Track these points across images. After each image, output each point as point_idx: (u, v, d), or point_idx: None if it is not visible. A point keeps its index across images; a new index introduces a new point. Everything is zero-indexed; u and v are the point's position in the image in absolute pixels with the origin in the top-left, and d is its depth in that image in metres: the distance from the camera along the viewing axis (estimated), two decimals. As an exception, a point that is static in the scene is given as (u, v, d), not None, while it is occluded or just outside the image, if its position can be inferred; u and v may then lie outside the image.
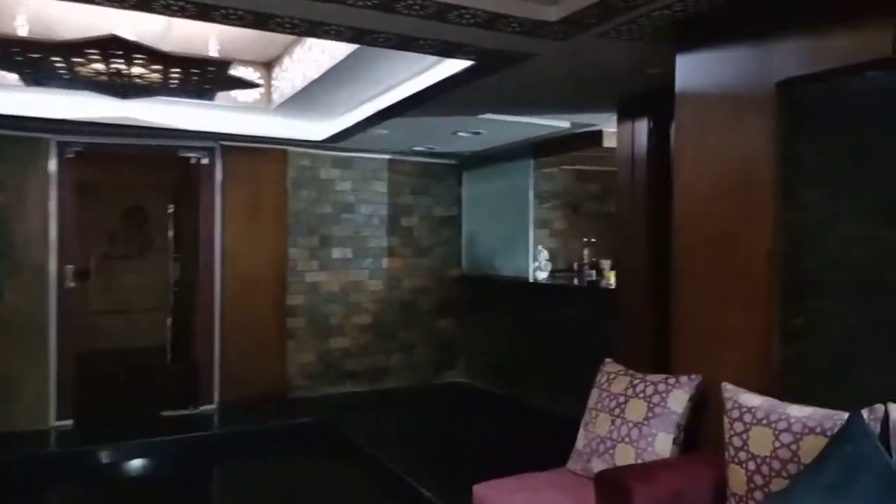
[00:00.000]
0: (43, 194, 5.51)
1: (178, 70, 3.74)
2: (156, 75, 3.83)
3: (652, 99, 3.97)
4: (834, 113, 2.47)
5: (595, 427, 2.83)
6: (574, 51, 3.25)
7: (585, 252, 7.43)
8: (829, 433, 2.05)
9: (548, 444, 4.93)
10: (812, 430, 2.09)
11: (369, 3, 2.57)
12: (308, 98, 4.79)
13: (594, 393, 2.96)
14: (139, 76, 3.85)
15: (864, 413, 1.98)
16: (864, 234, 2.59)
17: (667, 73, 3.53)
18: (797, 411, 2.17)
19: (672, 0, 2.53)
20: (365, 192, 6.85)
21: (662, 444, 2.60)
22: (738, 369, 2.59)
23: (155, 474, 5.09)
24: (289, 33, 3.03)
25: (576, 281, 6.56)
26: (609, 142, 5.25)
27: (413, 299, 7.08)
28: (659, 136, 4.00)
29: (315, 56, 4.21)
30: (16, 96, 4.73)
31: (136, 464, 5.14)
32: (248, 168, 6.21)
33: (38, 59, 3.55)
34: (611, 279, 5.54)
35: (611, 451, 2.71)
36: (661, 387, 2.70)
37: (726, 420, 2.35)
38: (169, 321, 8.63)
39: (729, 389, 2.40)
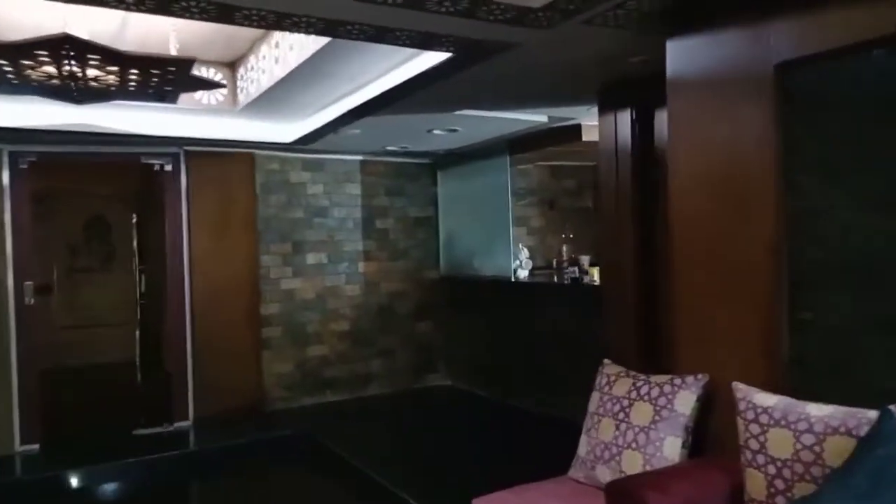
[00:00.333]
0: (-4, 208, 5.20)
1: (136, 71, 3.50)
2: (112, 77, 3.58)
3: (634, 88, 3.86)
4: (836, 97, 2.36)
5: (598, 433, 2.69)
6: (557, 39, 3.11)
7: (564, 248, 7.34)
8: (854, 433, 1.94)
9: (540, 448, 4.83)
10: (836, 430, 1.97)
11: (343, -9, 2.40)
12: (276, 98, 4.58)
13: (594, 397, 2.82)
14: (94, 79, 3.59)
15: (894, 410, 1.86)
16: (867, 223, 2.49)
17: (651, 60, 3.43)
18: (817, 410, 2.05)
19: (663, -19, 2.41)
20: (338, 194, 6.64)
21: (671, 449, 2.47)
22: (743, 367, 2.47)
23: (129, 498, 4.83)
24: (255, 26, 2.84)
25: (556, 278, 6.46)
26: (588, 135, 5.13)
27: (391, 303, 6.89)
28: (642, 127, 3.88)
29: (282, 53, 4.01)
30: (-38, 105, 4.45)
31: (109, 488, 4.87)
32: (214, 173, 5.96)
33: (-18, 63, 3.29)
34: (594, 276, 5.43)
35: (617, 458, 2.57)
36: (667, 388, 2.57)
37: (740, 422, 2.23)
38: (137, 335, 8.33)
39: (741, 389, 2.28)
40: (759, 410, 2.17)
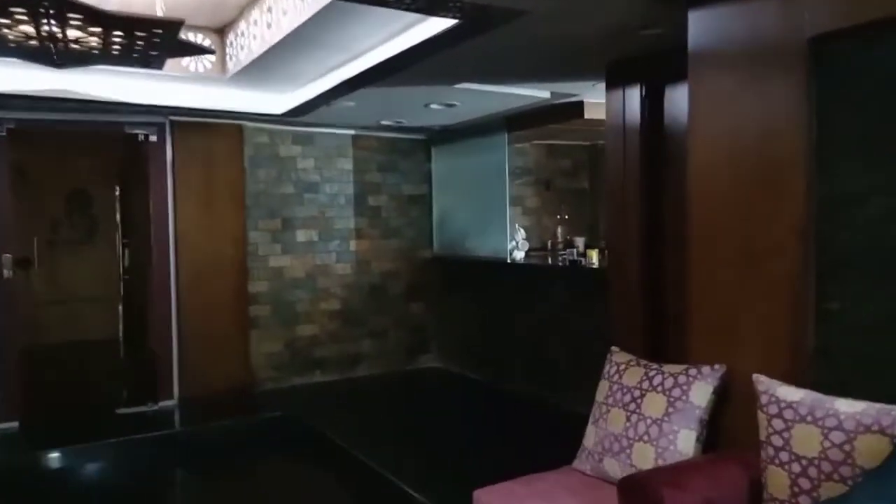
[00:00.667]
0: (-28, 177, 4.97)
1: (120, 33, 3.28)
2: (95, 40, 3.36)
3: (645, 63, 3.70)
4: (876, 73, 2.22)
5: (607, 424, 2.56)
6: (568, 8, 2.94)
7: (559, 230, 7.22)
8: (889, 431, 1.82)
9: (535, 436, 4.75)
10: (868, 428, 1.86)
11: (347, -53, 2.21)
12: (267, 66, 4.37)
13: (603, 385, 2.69)
14: (76, 41, 3.38)
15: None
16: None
17: (665, 33, 3.27)
18: (847, 406, 1.93)
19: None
20: (329, 170, 6.44)
21: (685, 442, 2.36)
22: (763, 357, 2.35)
23: (111, 479, 4.66)
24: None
25: (550, 260, 6.33)
26: (591, 113, 4.98)
27: (383, 283, 6.74)
28: (652, 105, 3.73)
29: (275, 18, 3.79)
30: (-67, 67, 4.20)
31: (90, 468, 4.70)
32: (201, 145, 5.74)
33: (-47, 21, 3.06)
34: (593, 258, 5.30)
35: (627, 451, 2.45)
36: (682, 378, 2.44)
37: (762, 416, 2.11)
38: (121, 311, 8.12)
39: (763, 382, 2.16)
40: (784, 405, 2.05)
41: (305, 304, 6.31)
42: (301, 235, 6.29)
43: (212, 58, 4.66)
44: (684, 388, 2.42)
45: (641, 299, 3.77)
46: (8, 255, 5.13)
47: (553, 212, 7.33)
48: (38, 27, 3.15)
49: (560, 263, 5.81)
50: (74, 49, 3.57)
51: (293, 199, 6.24)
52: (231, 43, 4.57)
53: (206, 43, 4.53)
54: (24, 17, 3.04)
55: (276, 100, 5.32)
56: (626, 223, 3.79)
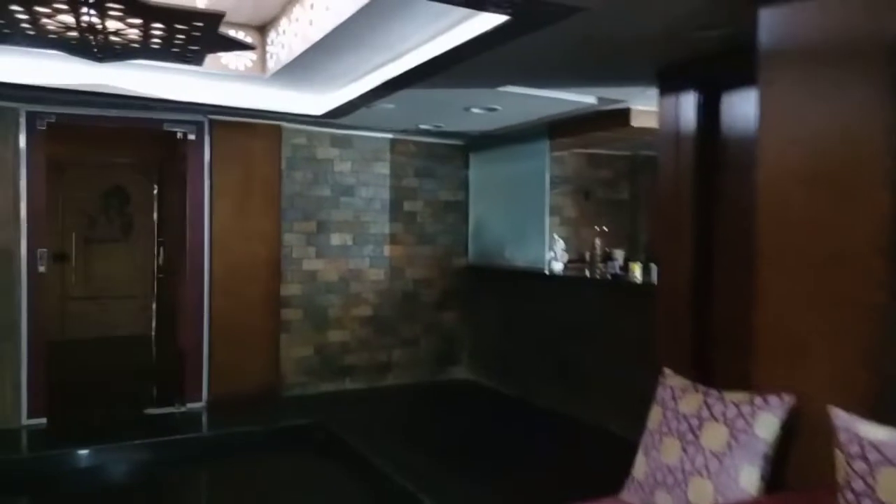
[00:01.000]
0: (12, 171, 4.95)
1: (160, 25, 3.21)
2: (134, 31, 3.29)
3: (701, 67, 3.50)
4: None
5: (660, 454, 2.36)
6: (627, 6, 2.77)
7: (598, 241, 7.00)
8: None
9: (573, 457, 4.55)
10: (970, 477, 1.64)
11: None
12: (307, 66, 4.27)
13: (656, 411, 2.50)
14: (115, 32, 3.31)
15: None
16: None
17: (725, 35, 3.07)
18: (943, 450, 1.72)
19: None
20: (366, 173, 6.33)
21: (748, 479, 2.15)
22: (839, 384, 2.14)
23: (135, 480, 4.59)
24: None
25: (588, 272, 6.13)
26: (638, 121, 4.78)
27: (415, 290, 6.60)
28: (708, 112, 3.52)
29: (317, 14, 3.68)
30: (-24, 58, 4.19)
31: (115, 469, 4.62)
32: (239, 145, 5.68)
33: (-6, 9, 3.01)
34: (636, 272, 5.09)
35: (682, 486, 2.25)
36: (746, 408, 2.24)
37: (840, 456, 1.89)
38: (154, 309, 8.14)
39: (840, 416, 1.94)
40: (867, 445, 1.84)
41: (337, 310, 6.19)
42: (335, 239, 6.19)
43: (252, 56, 4.59)
44: (748, 418, 2.22)
45: (690, 318, 3.55)
46: (44, 249, 5.10)
47: (592, 223, 7.13)
48: (77, 17, 3.08)
49: (599, 276, 5.61)
50: (114, 42, 3.51)
51: (329, 202, 6.15)
52: (272, 41, 4.49)
53: (248, 41, 4.45)
54: (64, 7, 2.98)
55: (316, 100, 5.23)
56: (677, 237, 3.58)
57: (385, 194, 6.43)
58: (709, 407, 2.32)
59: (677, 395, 2.47)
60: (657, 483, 2.34)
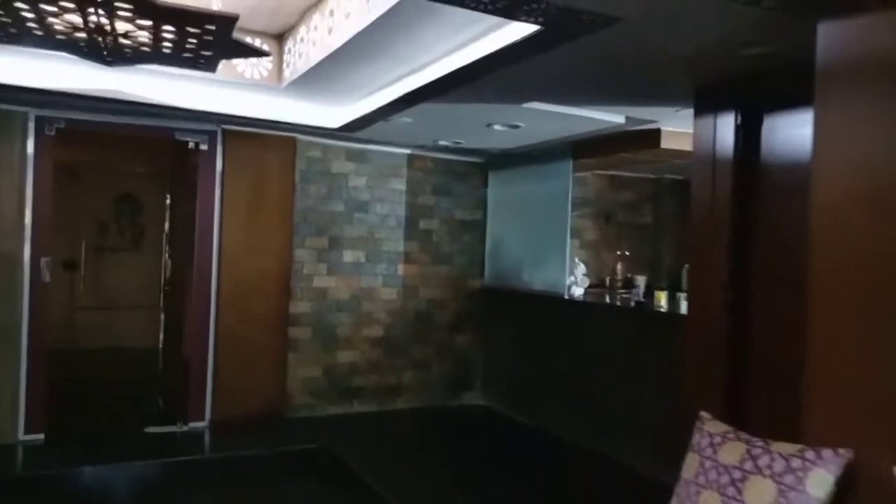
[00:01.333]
0: (18, 176, 4.82)
1: (171, 28, 3.05)
2: (145, 34, 3.14)
3: (741, 87, 3.29)
4: None
5: (698, 509, 2.13)
6: (668, 18, 2.57)
7: (619, 266, 6.78)
8: None
9: (592, 494, 4.31)
10: None
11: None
12: (324, 76, 4.11)
13: (693, 460, 2.26)
14: (125, 35, 3.17)
15: None
16: None
17: (772, 53, 2.87)
18: None
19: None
20: (381, 189, 6.16)
21: (799, 544, 1.91)
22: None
23: (135, 502, 4.39)
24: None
25: (608, 298, 5.90)
26: (669, 142, 4.58)
27: (429, 311, 6.38)
28: (748, 134, 3.31)
29: (336, 22, 3.53)
30: (-15, 60, 4.07)
31: (113, 489, 4.39)
32: (252, 156, 5.53)
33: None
34: (661, 301, 4.85)
35: (724, 547, 2.01)
36: (796, 462, 2.00)
37: (912, 525, 1.66)
38: (162, 321, 7.99)
39: (911, 479, 1.71)
40: (945, 515, 1.60)
41: (347, 329, 5.99)
42: (348, 256, 6.00)
43: (268, 65, 4.44)
44: (799, 474, 1.98)
45: (724, 352, 3.32)
46: (47, 258, 4.95)
47: (613, 247, 6.91)
48: (84, 17, 2.94)
49: (620, 303, 5.37)
50: (124, 45, 3.37)
51: (342, 218, 5.97)
52: (289, 50, 4.34)
53: (263, 48, 4.31)
54: (71, 5, 2.83)
55: (332, 112, 5.07)
56: (711, 265, 3.36)
57: (400, 211, 6.25)
58: (753, 459, 2.09)
59: (716, 442, 2.23)
60: (694, 542, 2.10)
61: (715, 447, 2.22)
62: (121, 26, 3.07)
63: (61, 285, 8.08)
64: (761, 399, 3.16)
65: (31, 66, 4.20)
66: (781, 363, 3.06)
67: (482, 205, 6.65)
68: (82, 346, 8.18)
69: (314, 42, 3.87)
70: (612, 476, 4.64)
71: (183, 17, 2.90)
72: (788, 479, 1.99)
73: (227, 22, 2.95)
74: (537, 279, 5.82)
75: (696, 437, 2.32)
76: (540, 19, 2.63)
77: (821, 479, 1.96)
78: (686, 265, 6.04)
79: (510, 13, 2.56)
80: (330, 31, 3.63)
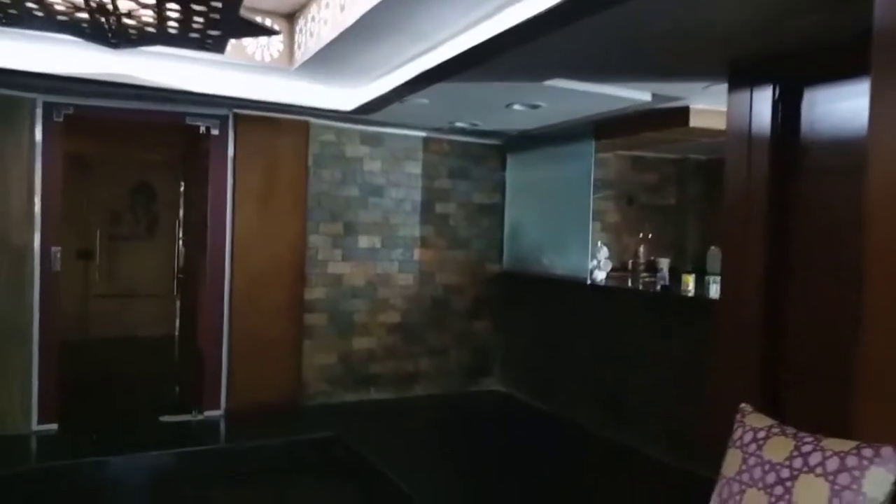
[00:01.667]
0: (27, 165, 4.72)
1: (175, 6, 2.92)
2: (149, 13, 3.01)
3: (780, 60, 3.10)
4: None
5: (743, 510, 1.99)
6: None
7: (641, 249, 6.60)
8: None
9: (615, 484, 4.19)
10: None
11: None
12: (337, 56, 3.97)
13: (735, 455, 2.11)
14: (128, 14, 3.04)
15: None
16: None
17: (819, 22, 2.68)
18: None
19: None
20: (396, 173, 6.01)
21: (856, 549, 1.76)
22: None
23: (145, 495, 4.31)
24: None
25: (630, 282, 5.74)
26: (697, 120, 4.39)
27: (446, 297, 6.25)
28: (787, 110, 3.12)
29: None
30: (-11, 44, 3.96)
31: (124, 482, 4.32)
32: (265, 141, 5.39)
33: (-4, -16, 2.76)
34: (689, 285, 4.68)
35: (772, 552, 1.87)
36: (851, 460, 1.85)
37: None
38: (178, 309, 7.94)
39: None
40: None
41: (363, 315, 5.88)
42: (363, 241, 5.88)
43: (279, 45, 4.30)
44: (855, 473, 1.83)
45: (759, 343, 3.16)
46: (58, 247, 4.87)
47: (635, 229, 6.72)
48: (85, -5, 2.81)
49: (643, 287, 5.20)
50: (129, 25, 3.24)
51: (357, 203, 5.84)
52: (300, 29, 4.19)
53: (274, 27, 4.16)
54: (70, -17, 2.70)
55: (346, 94, 4.92)
56: (746, 249, 3.19)
57: (416, 195, 6.10)
58: (803, 456, 1.94)
59: (760, 437, 2.08)
60: (739, 545, 1.96)
61: (759, 443, 2.07)
62: (123, 4, 2.94)
63: (75, 275, 8.05)
64: (801, 392, 3.01)
65: (37, 50, 4.08)
66: (823, 351, 2.90)
67: (500, 188, 6.49)
68: (97, 335, 8.14)
69: (326, 21, 3.72)
70: (632, 466, 4.52)
71: (188, -7, 2.76)
72: (843, 478, 1.84)
73: (233, -2, 2.81)
74: (558, 263, 5.66)
75: (737, 432, 2.17)
76: (565, -12, 2.46)
77: (880, 478, 1.81)
78: (711, 247, 5.92)
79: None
80: (342, 8, 3.47)
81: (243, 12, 3.06)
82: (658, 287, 4.88)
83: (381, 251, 5.96)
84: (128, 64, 4.30)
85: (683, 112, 4.36)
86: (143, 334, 8.36)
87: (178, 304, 8.11)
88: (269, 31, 3.45)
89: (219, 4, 2.90)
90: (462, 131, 5.97)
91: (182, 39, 3.52)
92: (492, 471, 4.41)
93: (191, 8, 2.93)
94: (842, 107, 2.86)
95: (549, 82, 3.98)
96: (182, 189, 8.07)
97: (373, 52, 3.90)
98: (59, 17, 3.16)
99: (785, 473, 1.94)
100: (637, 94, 4.16)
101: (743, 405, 2.27)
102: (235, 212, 5.32)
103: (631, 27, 2.90)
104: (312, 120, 5.52)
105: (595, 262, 5.40)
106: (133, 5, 2.94)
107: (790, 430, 2.06)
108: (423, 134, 6.06)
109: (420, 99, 4.56)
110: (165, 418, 5.20)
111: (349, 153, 5.79)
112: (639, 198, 6.84)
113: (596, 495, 4.04)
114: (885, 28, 1.99)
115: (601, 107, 4.49)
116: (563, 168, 5.70)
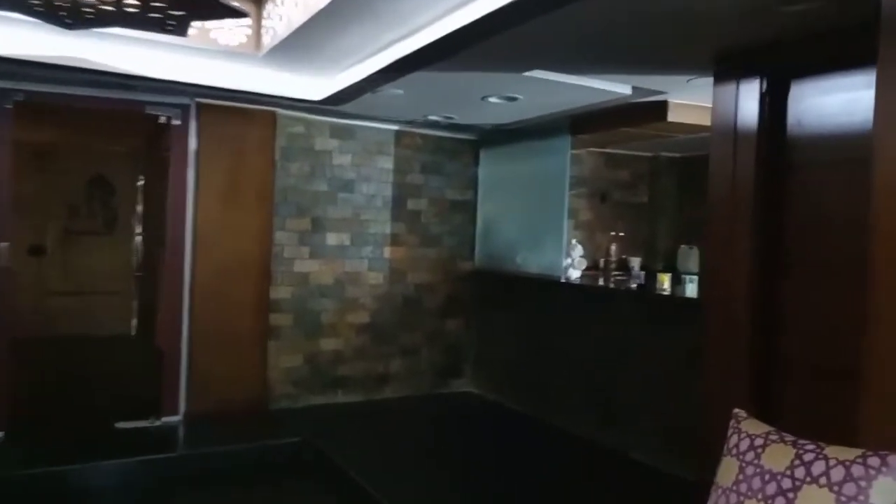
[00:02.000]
0: (-28, 152, 4.44)
1: (134, -19, 2.71)
2: (104, -12, 2.79)
3: (767, 51, 3.01)
4: None
5: (742, 523, 1.87)
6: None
7: (613, 247, 6.52)
8: None
9: (593, 485, 4.08)
10: None
11: None
12: (307, 42, 3.78)
13: (730, 464, 2.00)
14: (82, -10, 2.81)
15: None
16: None
17: (813, 10, 2.58)
18: None
19: None
20: (367, 167, 5.83)
21: (864, 565, 1.66)
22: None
23: None
24: None
25: (602, 280, 5.65)
26: (676, 115, 4.31)
27: (417, 295, 6.09)
28: (774, 104, 3.03)
29: (321, -21, 3.19)
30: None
31: (77, 491, 4.07)
32: (229, 132, 5.17)
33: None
34: (664, 283, 4.60)
35: (775, 568, 1.75)
36: (857, 470, 1.74)
37: None
38: (135, 308, 7.64)
39: None
40: None
41: (331, 315, 5.68)
42: (332, 238, 5.68)
43: (246, 30, 4.08)
44: (861, 483, 1.72)
45: (749, 342, 3.06)
46: (5, 243, 4.58)
47: (607, 227, 6.64)
48: (33, -34, 2.58)
49: (615, 285, 5.12)
50: (84, 4, 3.01)
51: (326, 198, 5.64)
52: (268, 13, 3.99)
53: (241, 9, 3.94)
54: (16, -48, 2.48)
55: (316, 84, 4.72)
56: (732, 246, 3.09)
57: (387, 191, 5.93)
58: (805, 465, 1.83)
59: (757, 444, 1.97)
60: (738, 561, 1.84)
61: (757, 451, 1.96)
62: (76, -22, 2.72)
63: (29, 272, 7.69)
64: (796, 395, 2.92)
65: (-18, 29, 3.81)
66: (816, 348, 2.83)
67: (473, 184, 6.35)
68: (51, 333, 7.77)
69: (296, 2, 3.53)
70: (614, 465, 4.42)
71: (146, -34, 2.56)
72: (849, 489, 1.73)
73: (196, -28, 2.61)
74: (532, 261, 5.55)
75: (732, 439, 2.06)
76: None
77: (888, 488, 1.71)
78: (682, 246, 5.87)
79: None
80: (313, -11, 3.29)
81: (207, -9, 2.87)
82: (634, 286, 4.78)
83: (350, 248, 5.77)
84: (83, 47, 4.04)
85: (661, 106, 4.27)
86: (101, 333, 8.01)
87: (135, 302, 7.81)
88: (236, 13, 3.24)
89: (180, -20, 2.70)
90: (436, 125, 5.82)
91: (142, 20, 3.28)
92: (463, 474, 4.27)
93: (150, -17, 2.73)
94: (830, 100, 2.79)
95: (528, 73, 3.84)
96: (142, 182, 7.78)
97: (346, 38, 3.72)
98: (5, -8, 2.93)
99: (787, 484, 1.83)
100: (618, 87, 4.05)
101: (737, 410, 2.16)
102: (197, 206, 5.08)
103: (613, 14, 2.78)
104: (280, 110, 5.31)
105: (569, 261, 5.29)
106: (86, -21, 2.72)
107: (789, 438, 1.95)
108: (395, 127, 5.89)
109: (394, 89, 4.40)
110: (121, 424, 4.92)
111: (318, 146, 5.59)
112: (612, 195, 6.76)
113: (569, 497, 3.92)
114: (893, 15, 1.89)
115: (580, 100, 4.37)
116: (538, 164, 5.59)
